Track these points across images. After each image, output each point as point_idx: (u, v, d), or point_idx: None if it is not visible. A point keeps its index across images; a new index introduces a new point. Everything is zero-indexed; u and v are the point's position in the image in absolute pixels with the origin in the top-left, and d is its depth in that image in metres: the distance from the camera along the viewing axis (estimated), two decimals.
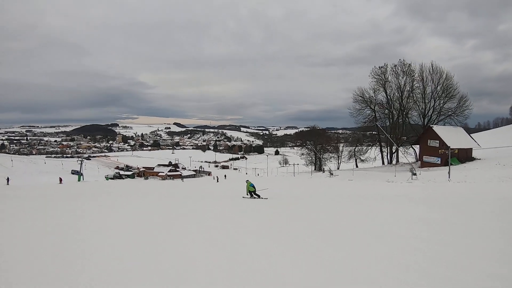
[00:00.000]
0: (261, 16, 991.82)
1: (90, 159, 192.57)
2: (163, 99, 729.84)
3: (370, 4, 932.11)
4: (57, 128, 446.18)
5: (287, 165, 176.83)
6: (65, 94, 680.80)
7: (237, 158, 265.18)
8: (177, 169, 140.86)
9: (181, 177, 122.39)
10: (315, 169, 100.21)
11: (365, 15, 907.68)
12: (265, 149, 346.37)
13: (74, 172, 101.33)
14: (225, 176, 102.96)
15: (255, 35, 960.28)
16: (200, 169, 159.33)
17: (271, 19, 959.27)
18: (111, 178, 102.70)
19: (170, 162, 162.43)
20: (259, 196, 24.38)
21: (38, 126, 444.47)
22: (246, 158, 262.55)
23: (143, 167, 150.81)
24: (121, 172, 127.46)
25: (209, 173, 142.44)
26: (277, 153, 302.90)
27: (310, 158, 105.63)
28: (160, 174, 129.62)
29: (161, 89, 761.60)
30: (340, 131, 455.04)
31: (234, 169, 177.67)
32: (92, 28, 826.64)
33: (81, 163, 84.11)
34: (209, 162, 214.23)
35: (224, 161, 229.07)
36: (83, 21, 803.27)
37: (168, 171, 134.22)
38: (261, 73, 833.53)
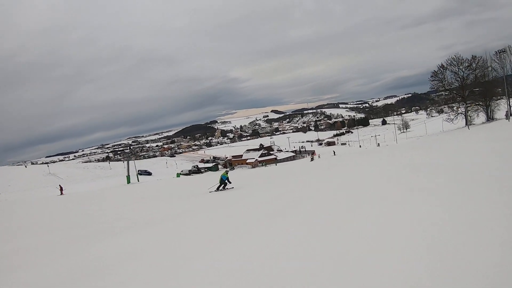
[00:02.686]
0: None
1: (175, 156, 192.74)
2: (258, 90, 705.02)
3: None
4: (160, 134, 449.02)
5: (408, 130, 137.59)
6: (165, 103, 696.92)
7: (342, 133, 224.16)
8: (271, 152, 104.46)
9: (275, 161, 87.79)
10: (468, 123, 64.43)
11: None
12: (369, 121, 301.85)
13: (141, 173, 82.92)
14: (334, 152, 79.08)
15: (336, 10, 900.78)
16: (301, 149, 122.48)
17: None
18: (185, 174, 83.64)
19: (261, 145, 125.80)
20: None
21: (143, 136, 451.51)
22: (351, 132, 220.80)
23: (232, 156, 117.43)
24: (201, 165, 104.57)
25: (312, 152, 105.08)
26: (384, 122, 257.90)
27: (457, 109, 75.23)
28: (248, 161, 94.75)
29: (255, 81, 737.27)
30: (446, 93, 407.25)
31: (342, 144, 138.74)
32: (180, 38, 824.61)
33: (128, 164, 65.89)
34: (311, 141, 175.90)
35: (328, 138, 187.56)
36: (171, 33, 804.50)
37: (259, 156, 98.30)
38: (350, 47, 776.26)
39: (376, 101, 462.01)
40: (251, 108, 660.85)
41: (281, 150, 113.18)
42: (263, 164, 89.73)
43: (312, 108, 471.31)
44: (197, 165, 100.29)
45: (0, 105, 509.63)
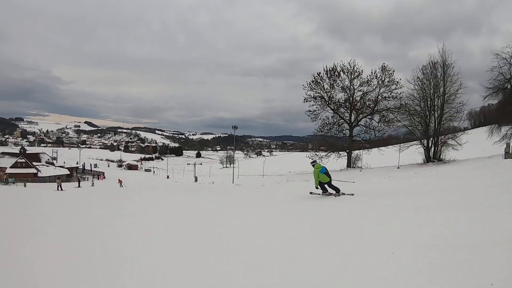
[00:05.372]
0: (188, 22, 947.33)
1: None
2: (78, 97, 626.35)
3: (294, 20, 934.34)
4: None
5: (232, 165, 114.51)
6: None
7: (151, 159, 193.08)
8: (33, 163, 67.00)
9: (34, 178, 53.81)
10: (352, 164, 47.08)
11: (288, 31, 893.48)
12: (184, 151, 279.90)
13: None
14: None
15: (179, 40, 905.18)
16: (90, 167, 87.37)
17: (198, 26, 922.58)
18: None
19: (22, 149, 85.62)
20: (337, 192, 12.38)
21: None
22: (162, 159, 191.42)
23: None
24: None
25: (99, 175, 75.17)
26: (198, 155, 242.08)
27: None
28: None
29: (77, 86, 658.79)
30: (259, 139, 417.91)
31: (146, 170, 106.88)
32: (14, 11, 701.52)
33: None
34: (110, 161, 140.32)
35: (134, 160, 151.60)
36: (6, 2, 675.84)
37: (12, 166, 61.50)
38: (181, 77, 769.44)
39: (193, 134, 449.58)
40: (66, 114, 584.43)
41: (52, 164, 75.60)
42: (11, 180, 53.27)
43: (128, 129, 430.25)
44: None
45: None
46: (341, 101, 46.61)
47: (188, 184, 43.86)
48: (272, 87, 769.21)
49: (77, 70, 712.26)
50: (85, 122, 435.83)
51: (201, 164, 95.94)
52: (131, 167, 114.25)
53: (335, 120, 47.29)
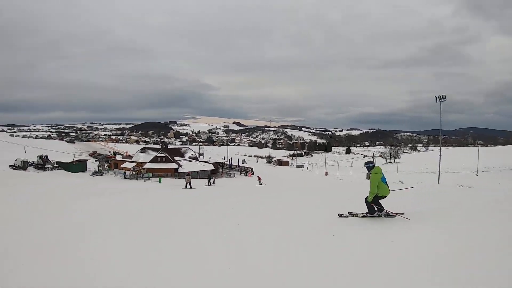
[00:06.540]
0: (321, 20, 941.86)
1: (74, 142, 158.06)
2: (225, 101, 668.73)
3: (430, 3, 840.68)
4: (118, 125, 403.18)
5: (396, 160, 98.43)
6: (130, 95, 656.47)
7: (301, 155, 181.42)
8: (175, 158, 58.04)
9: (174, 173, 51.53)
10: None
11: (425, 15, 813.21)
12: (332, 148, 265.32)
13: None
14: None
15: (316, 39, 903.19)
16: (238, 163, 77.68)
17: (331, 23, 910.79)
18: (17, 167, 48.74)
19: (162, 145, 78.69)
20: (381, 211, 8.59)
21: (100, 123, 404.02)
22: (311, 155, 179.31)
23: (125, 154, 72.53)
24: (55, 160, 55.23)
25: (247, 171, 63.13)
26: (348, 151, 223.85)
27: None
28: (125, 165, 50.73)
29: (224, 91, 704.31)
30: (408, 133, 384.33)
31: (298, 166, 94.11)
32: (157, 34, 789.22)
33: None
34: (258, 157, 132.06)
35: (283, 156, 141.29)
36: (148, 28, 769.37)
37: (151, 161, 53.24)
38: (322, 75, 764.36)
39: (339, 130, 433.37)
40: (215, 116, 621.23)
41: (195, 158, 66.74)
42: (147, 175, 45.05)
43: (274, 127, 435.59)
44: (45, 156, 53.53)
45: None
46: None
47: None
48: (416, 77, 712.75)
49: (222, 78, 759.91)
50: (234, 123, 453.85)
51: (380, 156, 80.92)
52: (281, 163, 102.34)
53: None
